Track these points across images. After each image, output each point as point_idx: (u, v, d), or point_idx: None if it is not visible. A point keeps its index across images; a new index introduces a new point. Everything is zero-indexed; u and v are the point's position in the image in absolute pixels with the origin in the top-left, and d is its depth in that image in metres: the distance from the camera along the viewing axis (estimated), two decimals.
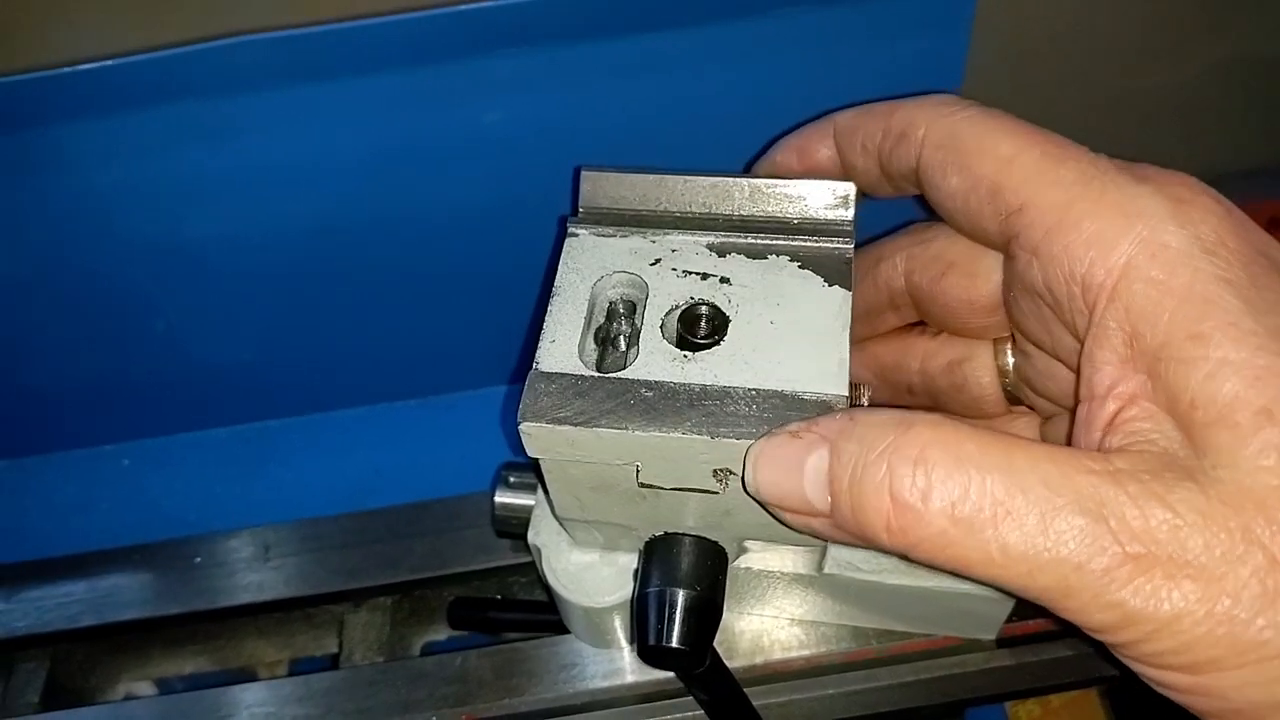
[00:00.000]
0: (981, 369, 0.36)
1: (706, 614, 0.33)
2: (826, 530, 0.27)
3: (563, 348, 0.32)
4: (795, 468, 0.27)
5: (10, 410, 0.54)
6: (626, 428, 0.30)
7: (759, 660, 0.40)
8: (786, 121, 0.40)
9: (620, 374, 0.31)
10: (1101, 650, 0.25)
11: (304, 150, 0.43)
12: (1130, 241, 0.26)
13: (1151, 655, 0.23)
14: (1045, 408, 0.35)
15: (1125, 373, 0.26)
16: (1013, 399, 0.36)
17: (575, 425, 0.30)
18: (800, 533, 0.29)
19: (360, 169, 0.44)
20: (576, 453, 0.31)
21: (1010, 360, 0.35)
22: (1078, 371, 0.28)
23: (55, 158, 0.42)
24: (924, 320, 0.37)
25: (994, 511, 0.23)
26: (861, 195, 0.35)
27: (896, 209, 0.37)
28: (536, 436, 0.31)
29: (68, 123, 0.40)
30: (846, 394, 0.30)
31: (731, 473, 0.30)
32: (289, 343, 0.52)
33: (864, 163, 0.34)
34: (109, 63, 0.38)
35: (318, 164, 0.44)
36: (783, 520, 0.29)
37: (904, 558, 0.26)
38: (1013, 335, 0.34)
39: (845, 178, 0.35)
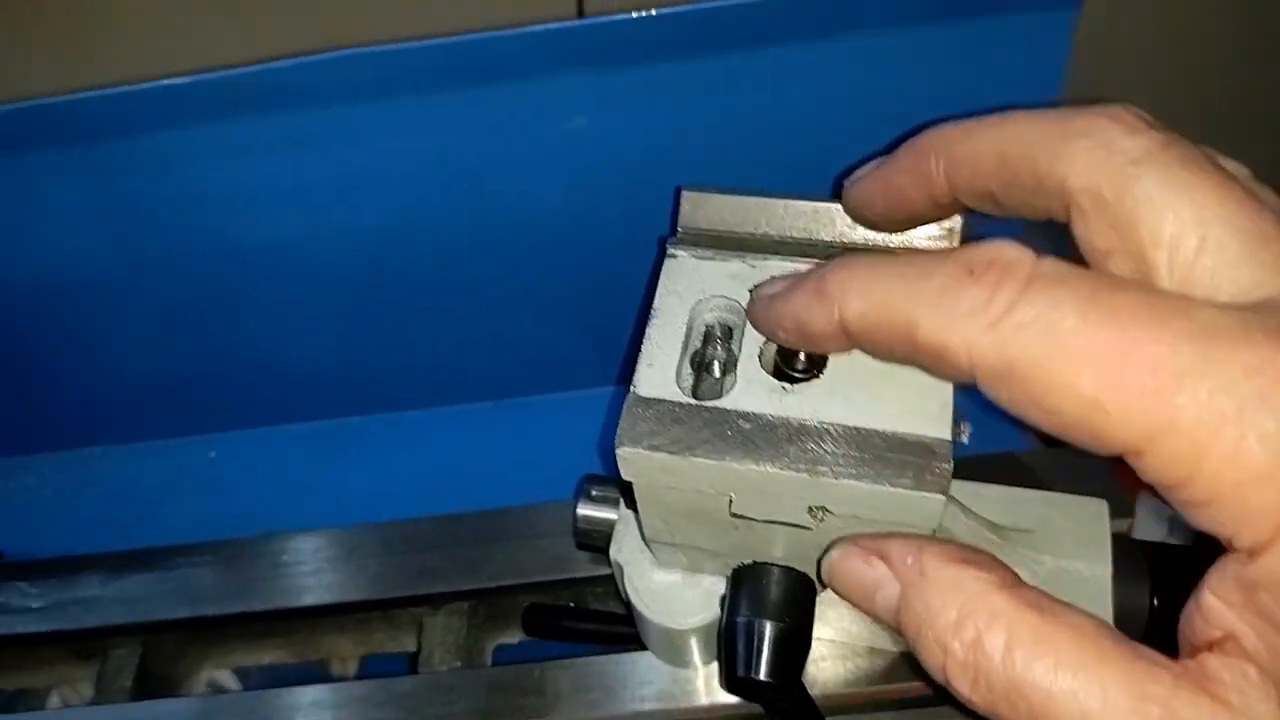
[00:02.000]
0: None
1: (796, 646, 0.33)
2: None
3: (660, 373, 0.32)
4: (867, 593, 0.29)
5: (106, 400, 0.56)
6: (723, 459, 0.29)
7: (836, 690, 0.40)
8: (881, 140, 0.40)
9: (717, 403, 0.31)
10: None
11: (394, 159, 0.44)
12: None
13: None
14: None
15: (1229, 617, 0.23)
16: None
17: (671, 454, 0.30)
18: None
19: (448, 178, 0.45)
20: (670, 479, 0.31)
21: None
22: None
23: (157, 163, 0.43)
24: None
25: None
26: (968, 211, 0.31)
27: None
28: (632, 461, 0.30)
29: (171, 130, 0.41)
30: (949, 437, 0.29)
31: (827, 510, 0.30)
32: (378, 342, 0.53)
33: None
34: (210, 75, 0.39)
35: (407, 172, 0.45)
36: None
37: None
38: None
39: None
